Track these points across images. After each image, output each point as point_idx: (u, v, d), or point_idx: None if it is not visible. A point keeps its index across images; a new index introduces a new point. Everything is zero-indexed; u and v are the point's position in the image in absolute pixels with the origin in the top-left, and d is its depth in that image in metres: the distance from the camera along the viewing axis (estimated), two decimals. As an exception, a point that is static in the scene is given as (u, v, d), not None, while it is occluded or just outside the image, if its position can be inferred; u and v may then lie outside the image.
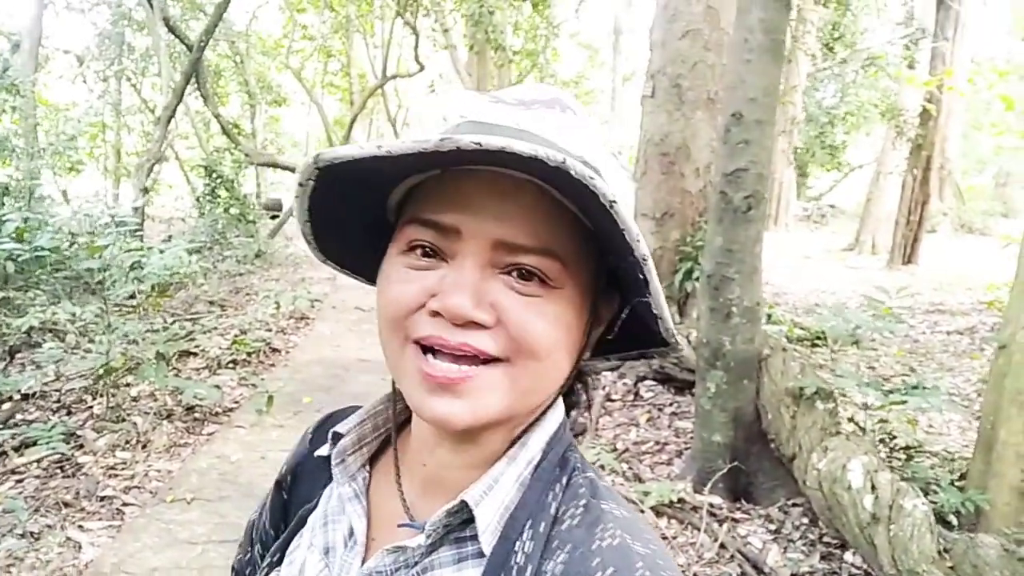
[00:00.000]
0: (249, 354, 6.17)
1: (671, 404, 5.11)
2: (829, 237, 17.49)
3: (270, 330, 7.04)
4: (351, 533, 0.66)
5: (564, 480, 0.62)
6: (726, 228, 3.84)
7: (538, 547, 0.57)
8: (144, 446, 4.32)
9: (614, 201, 0.50)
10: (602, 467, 3.99)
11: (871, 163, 17.61)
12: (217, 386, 5.18)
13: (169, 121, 11.62)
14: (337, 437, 0.69)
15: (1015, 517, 2.99)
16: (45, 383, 5.07)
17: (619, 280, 0.62)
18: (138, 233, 8.09)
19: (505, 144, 0.48)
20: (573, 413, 0.71)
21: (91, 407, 4.78)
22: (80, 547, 3.30)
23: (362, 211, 0.65)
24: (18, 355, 5.86)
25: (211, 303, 8.21)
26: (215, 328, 6.59)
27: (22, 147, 9.75)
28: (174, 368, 5.57)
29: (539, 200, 0.56)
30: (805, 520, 3.57)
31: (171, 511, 3.66)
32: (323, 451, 0.70)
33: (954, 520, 3.16)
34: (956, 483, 3.40)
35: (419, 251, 0.58)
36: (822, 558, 3.31)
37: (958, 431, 4.70)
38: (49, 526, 3.44)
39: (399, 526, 0.64)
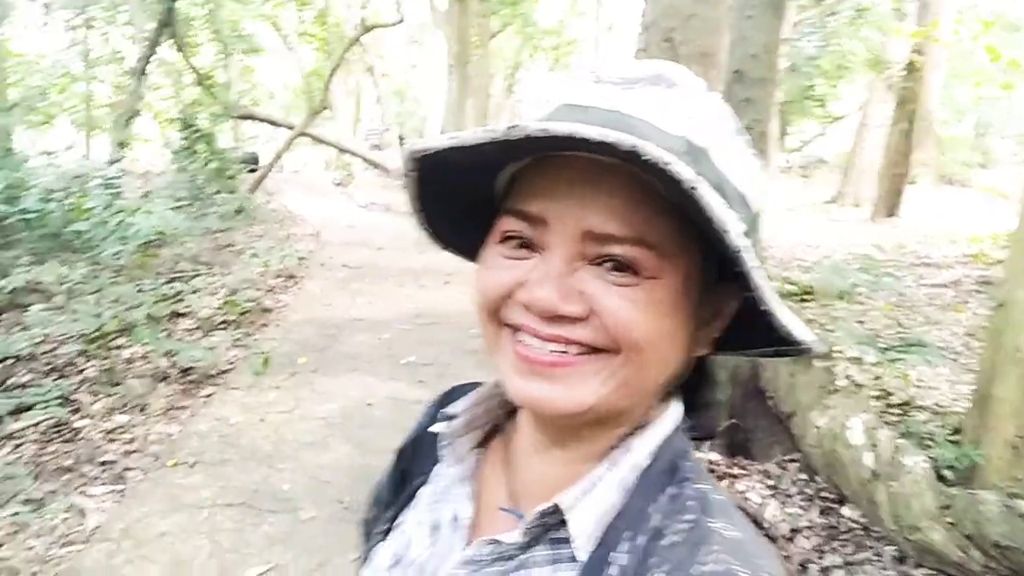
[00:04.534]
0: (241, 314, 6.12)
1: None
2: (812, 189, 17.56)
3: (259, 289, 6.98)
4: (457, 515, 0.66)
5: (671, 491, 0.58)
6: (727, 188, 3.83)
7: (634, 561, 0.54)
8: (142, 409, 4.30)
9: (694, 187, 0.47)
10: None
11: (853, 114, 17.60)
12: (211, 348, 5.14)
13: (143, 72, 11.31)
14: (451, 417, 0.69)
15: (1009, 471, 3.06)
16: (35, 345, 4.99)
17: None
18: (118, 190, 7.93)
19: (573, 130, 0.47)
20: (695, 415, 0.67)
21: (84, 370, 4.73)
22: (85, 513, 3.29)
23: (472, 192, 0.64)
24: (2, 316, 5.77)
25: (196, 261, 8.10)
26: (204, 288, 6.50)
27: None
28: (165, 329, 5.51)
29: (631, 186, 0.53)
30: (803, 476, 3.64)
31: (174, 475, 3.66)
32: (435, 428, 0.70)
33: (948, 475, 3.23)
34: (950, 438, 3.46)
35: (513, 242, 0.57)
36: (820, 513, 3.38)
37: (947, 385, 4.78)
38: (52, 492, 3.43)
39: (501, 509, 0.64)
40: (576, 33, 25.79)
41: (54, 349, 4.98)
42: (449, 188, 0.62)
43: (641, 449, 0.60)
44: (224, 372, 4.99)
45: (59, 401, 4.14)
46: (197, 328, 5.76)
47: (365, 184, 19.41)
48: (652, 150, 0.46)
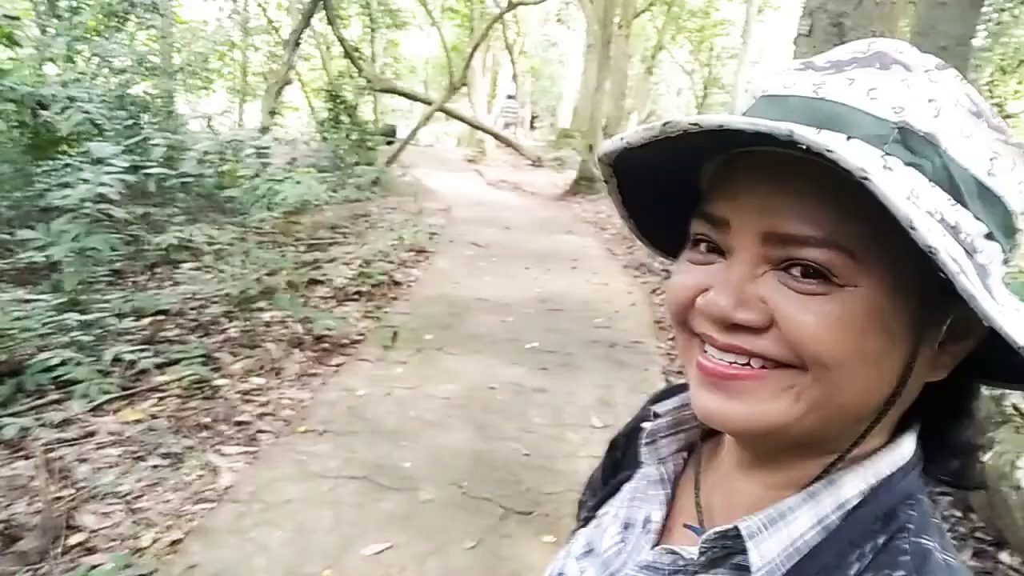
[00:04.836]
0: (373, 286, 6.25)
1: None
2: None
3: (391, 262, 7.11)
4: (649, 517, 0.66)
5: (881, 540, 0.50)
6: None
7: None
8: (277, 373, 4.44)
9: (865, 176, 0.41)
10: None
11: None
12: (343, 317, 5.26)
13: (297, 44, 11.74)
14: (658, 415, 0.69)
15: None
16: (183, 301, 5.27)
17: None
18: (269, 158, 8.28)
19: (723, 121, 0.44)
20: (939, 455, 0.58)
21: (227, 330, 4.94)
22: (218, 471, 3.42)
23: (669, 190, 0.61)
24: (156, 271, 6.15)
25: (334, 230, 8.37)
26: (339, 257, 6.69)
27: (159, 65, 10.07)
28: (303, 296, 5.70)
29: (821, 183, 0.47)
30: (956, 512, 3.33)
31: (303, 442, 3.75)
32: (645, 425, 0.70)
33: None
34: None
35: (702, 246, 0.55)
36: (974, 555, 3.08)
37: None
38: (189, 448, 3.58)
39: (684, 526, 0.63)
40: (724, 14, 24.81)
41: (201, 307, 5.24)
42: (645, 188, 0.61)
43: (850, 485, 0.53)
44: (354, 342, 5.09)
45: (202, 359, 4.34)
46: (331, 296, 5.93)
47: (496, 162, 19.53)
48: (812, 137, 0.42)
